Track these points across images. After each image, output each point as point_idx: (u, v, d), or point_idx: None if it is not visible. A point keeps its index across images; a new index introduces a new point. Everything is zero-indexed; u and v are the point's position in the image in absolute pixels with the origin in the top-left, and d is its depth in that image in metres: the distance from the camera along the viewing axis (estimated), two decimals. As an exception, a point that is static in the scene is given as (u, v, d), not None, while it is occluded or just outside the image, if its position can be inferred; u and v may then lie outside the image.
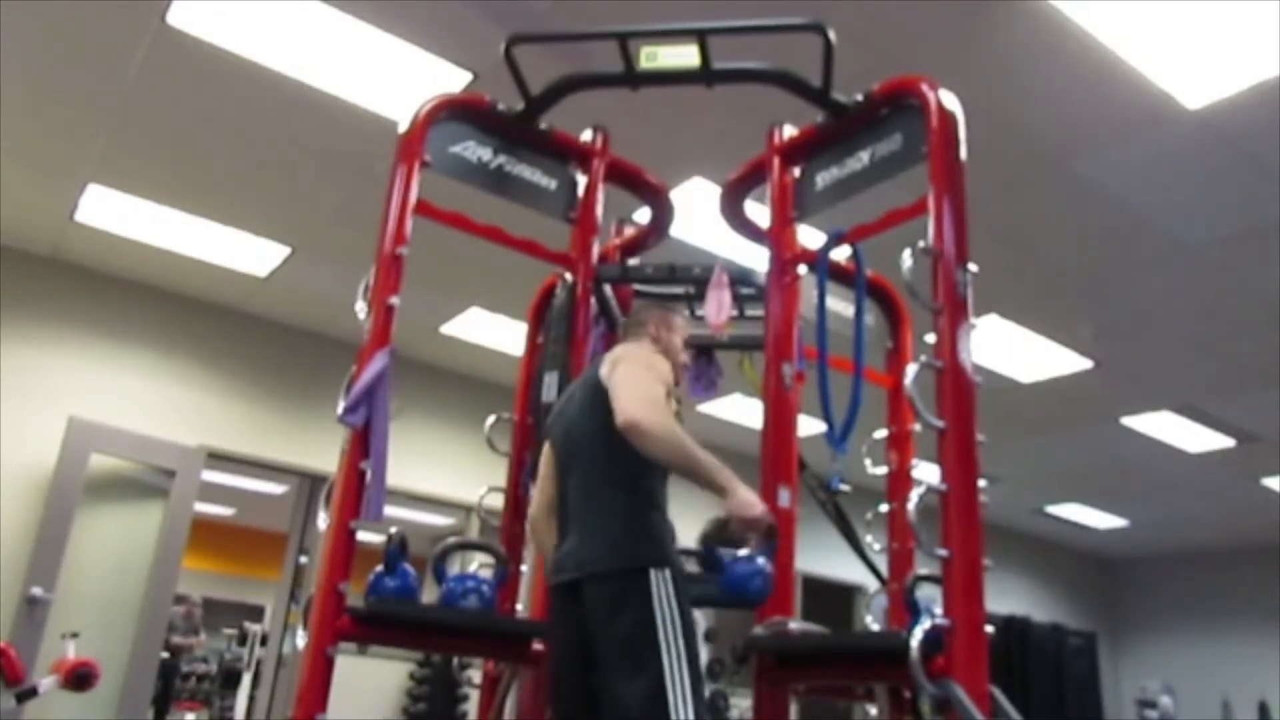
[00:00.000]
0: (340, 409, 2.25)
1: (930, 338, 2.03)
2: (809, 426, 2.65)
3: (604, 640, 1.87)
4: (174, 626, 7.85)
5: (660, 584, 1.87)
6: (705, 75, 2.48)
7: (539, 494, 2.25)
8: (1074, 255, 4.55)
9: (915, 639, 1.76)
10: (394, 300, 2.38)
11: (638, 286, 3.00)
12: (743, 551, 2.30)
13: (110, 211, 4.78)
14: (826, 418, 2.45)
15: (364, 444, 2.25)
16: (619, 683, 1.81)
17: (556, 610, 2.05)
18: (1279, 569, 9.16)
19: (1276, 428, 6.41)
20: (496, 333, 5.90)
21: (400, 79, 3.56)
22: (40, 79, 3.75)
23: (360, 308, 2.42)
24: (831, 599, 7.47)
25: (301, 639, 2.14)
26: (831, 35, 2.36)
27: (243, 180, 4.44)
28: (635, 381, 1.95)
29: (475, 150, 2.67)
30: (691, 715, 1.76)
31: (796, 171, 2.67)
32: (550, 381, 2.60)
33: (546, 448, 2.26)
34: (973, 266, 2.05)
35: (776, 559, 2.30)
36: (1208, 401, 6.13)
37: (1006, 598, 9.20)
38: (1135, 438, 6.80)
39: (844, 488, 2.58)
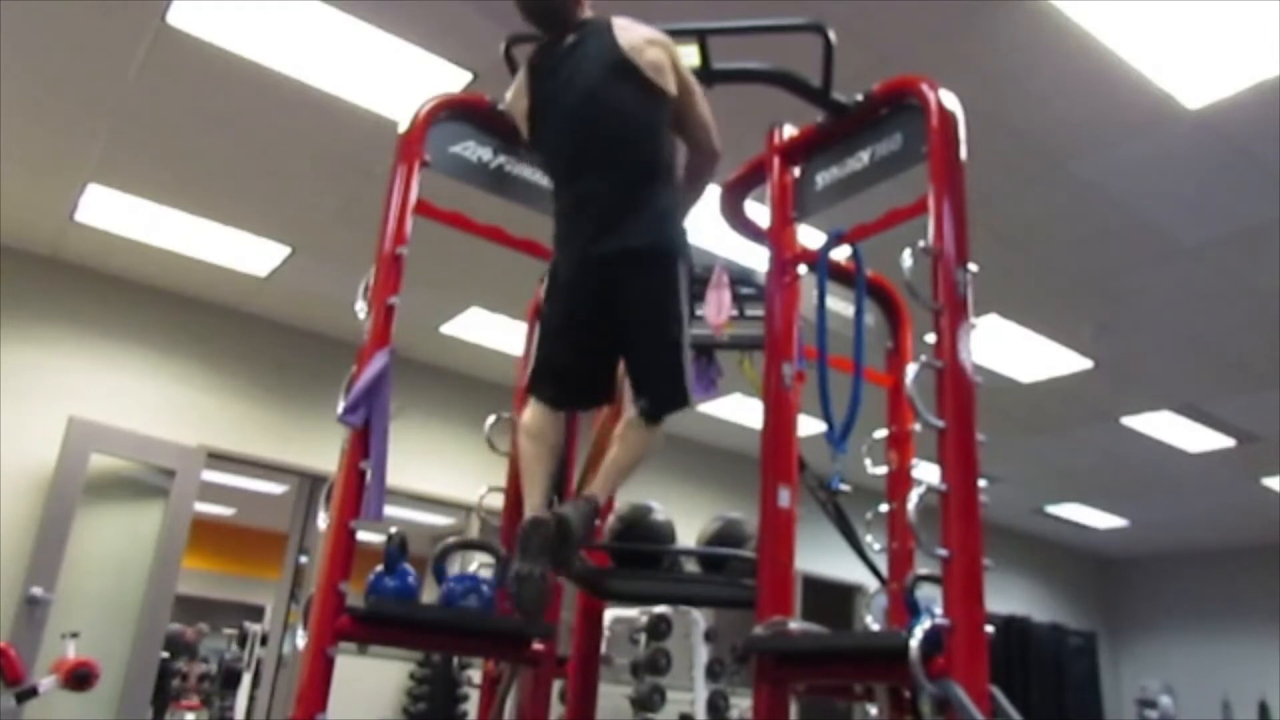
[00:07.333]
0: (340, 409, 2.25)
1: (930, 338, 2.03)
2: (809, 426, 2.65)
3: None
4: None
5: None
6: (705, 75, 2.48)
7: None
8: (1074, 255, 4.55)
9: (915, 639, 1.76)
10: (394, 300, 2.38)
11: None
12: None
13: (110, 211, 4.78)
14: (826, 418, 2.44)
15: (364, 444, 2.25)
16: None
17: None
18: (1279, 569, 9.16)
19: (1276, 428, 6.42)
20: (496, 333, 5.89)
21: (400, 79, 3.56)
22: (40, 79, 3.75)
23: (360, 308, 2.42)
24: (831, 599, 7.47)
25: (301, 639, 2.14)
26: (831, 35, 2.36)
27: (243, 180, 4.44)
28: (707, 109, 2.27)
29: (475, 150, 2.66)
30: None
31: (796, 171, 2.67)
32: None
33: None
34: (973, 266, 2.05)
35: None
36: (1208, 401, 6.13)
37: (1006, 598, 9.20)
38: (1135, 438, 6.80)
39: (844, 488, 2.58)
